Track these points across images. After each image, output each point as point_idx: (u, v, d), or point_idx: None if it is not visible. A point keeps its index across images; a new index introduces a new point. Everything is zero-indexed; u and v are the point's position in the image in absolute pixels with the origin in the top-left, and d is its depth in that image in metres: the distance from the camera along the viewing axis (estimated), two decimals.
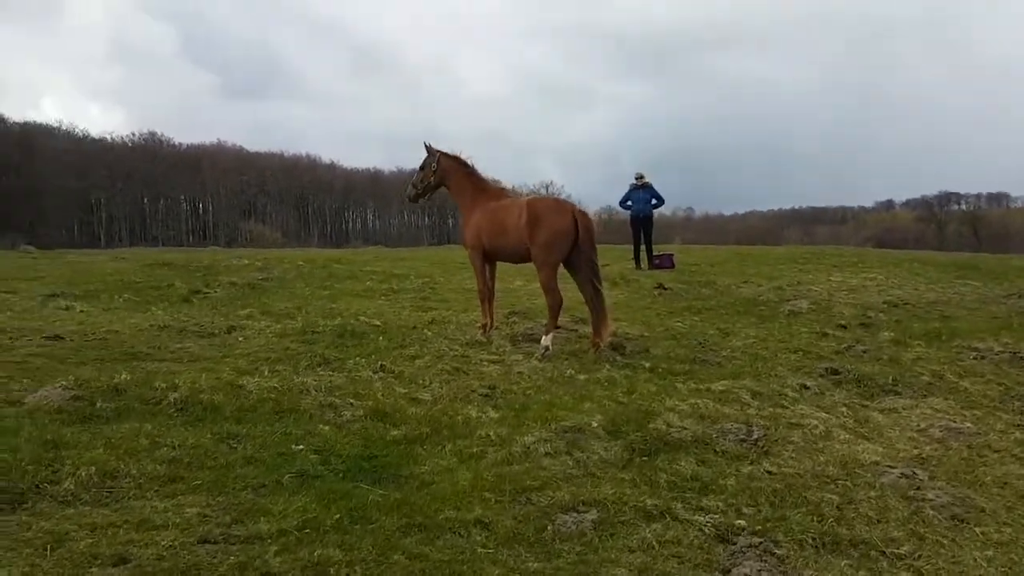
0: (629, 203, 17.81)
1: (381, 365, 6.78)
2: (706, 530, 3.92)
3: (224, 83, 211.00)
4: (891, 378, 7.37)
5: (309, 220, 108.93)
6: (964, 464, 5.18)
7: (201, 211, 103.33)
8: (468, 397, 6.11)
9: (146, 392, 5.40)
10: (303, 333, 7.88)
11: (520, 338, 8.52)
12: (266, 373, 6.23)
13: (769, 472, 4.80)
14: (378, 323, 8.69)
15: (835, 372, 7.51)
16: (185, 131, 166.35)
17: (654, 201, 17.88)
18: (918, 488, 4.61)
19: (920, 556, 3.75)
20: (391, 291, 11.52)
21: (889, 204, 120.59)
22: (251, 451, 4.59)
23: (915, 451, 5.43)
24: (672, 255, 17.57)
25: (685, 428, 5.56)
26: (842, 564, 3.67)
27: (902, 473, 4.91)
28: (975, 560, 3.71)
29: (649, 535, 3.81)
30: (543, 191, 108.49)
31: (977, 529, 4.07)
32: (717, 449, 5.26)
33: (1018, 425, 6.02)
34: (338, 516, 3.75)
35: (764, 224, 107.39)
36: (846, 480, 4.77)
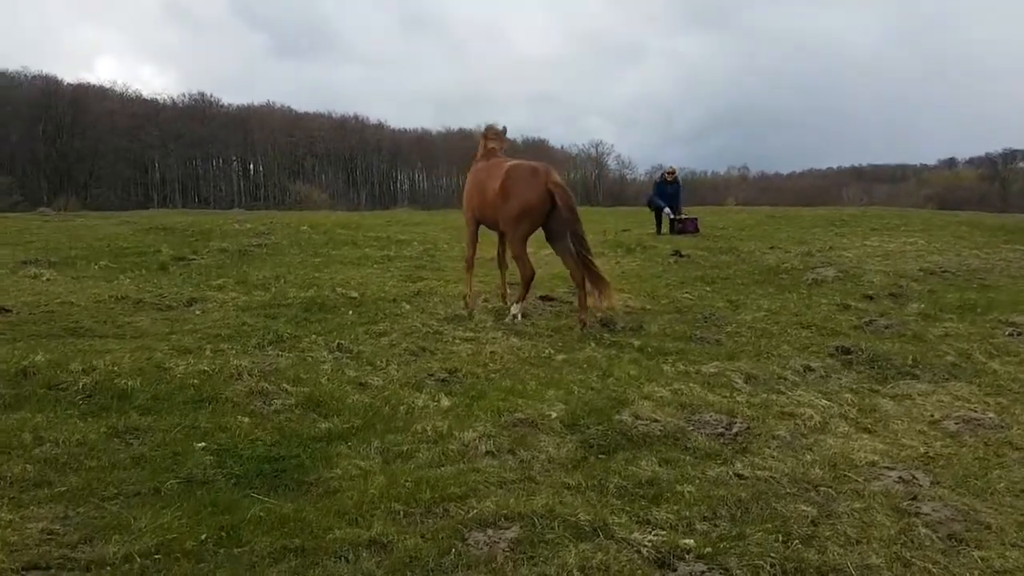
0: (660, 202, 16.89)
1: (339, 344, 6.25)
2: (644, 552, 3.30)
3: (274, 43, 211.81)
4: (911, 358, 6.61)
5: (357, 181, 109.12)
6: (977, 465, 4.45)
7: (252, 172, 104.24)
8: (422, 382, 5.54)
9: (56, 376, 4.96)
10: (268, 306, 7.40)
11: (505, 313, 7.90)
12: (207, 353, 5.75)
13: (739, 476, 4.14)
14: (355, 295, 8.16)
15: (847, 351, 6.76)
16: (235, 91, 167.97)
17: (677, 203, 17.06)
18: (914, 498, 3.91)
19: None
20: (387, 259, 10.99)
21: (952, 162, 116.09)
22: (144, 449, 4.10)
23: (922, 448, 4.71)
24: (696, 219, 16.68)
25: (656, 420, 4.92)
26: None
27: (900, 477, 4.22)
28: None
29: (572, 559, 3.21)
30: (593, 151, 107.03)
31: (976, 553, 3.36)
32: (688, 445, 4.61)
33: None
34: (204, 536, 3.22)
35: (822, 183, 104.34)
36: (830, 486, 4.09)
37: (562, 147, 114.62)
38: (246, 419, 4.61)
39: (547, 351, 6.58)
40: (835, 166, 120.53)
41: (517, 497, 3.77)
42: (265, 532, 3.29)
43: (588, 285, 7.61)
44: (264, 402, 4.92)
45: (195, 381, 5.05)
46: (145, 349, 5.78)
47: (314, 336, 6.49)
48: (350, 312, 7.45)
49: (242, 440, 4.26)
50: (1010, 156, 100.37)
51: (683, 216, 16.61)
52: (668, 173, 17.46)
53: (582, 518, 3.54)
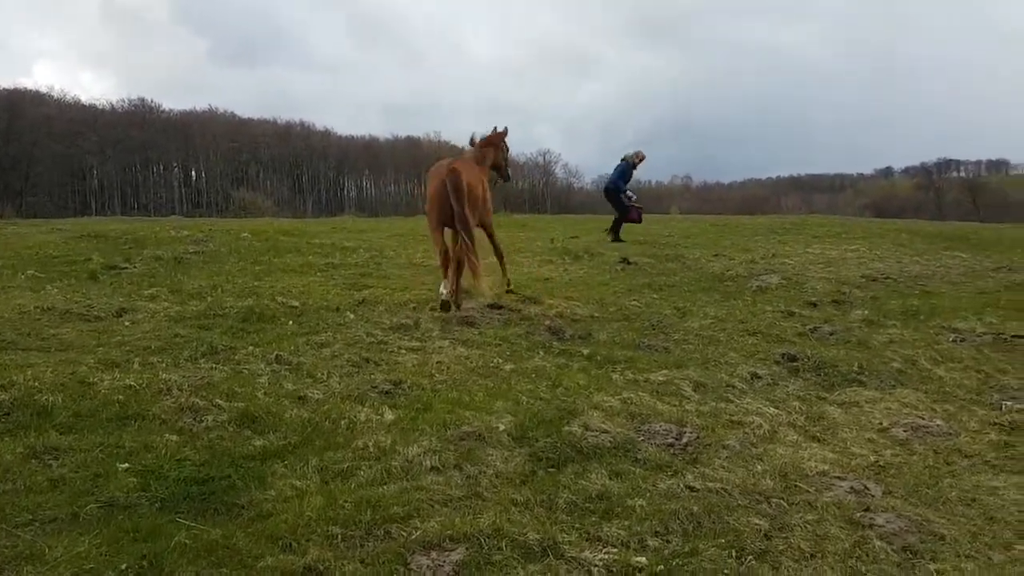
0: (631, 197, 16.62)
1: (277, 355, 5.99)
2: (595, 572, 3.17)
3: (218, 48, 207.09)
4: (857, 365, 6.64)
5: (303, 188, 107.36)
6: (928, 474, 4.44)
7: (194, 179, 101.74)
8: (365, 395, 5.32)
9: None
10: (202, 316, 7.07)
11: (454, 321, 7.73)
12: (135, 367, 5.43)
13: (690, 488, 4.05)
14: (296, 304, 7.88)
15: (793, 359, 6.76)
16: (177, 97, 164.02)
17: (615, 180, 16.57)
18: (867, 509, 3.86)
19: None
20: (331, 266, 10.70)
21: (888, 171, 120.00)
22: (64, 470, 3.81)
23: (872, 457, 4.69)
24: (640, 209, 16.61)
25: (606, 431, 4.80)
26: None
27: (852, 487, 4.18)
28: None
29: None
30: (541, 160, 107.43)
31: (932, 566, 3.32)
32: (638, 457, 4.51)
33: (994, 423, 5.28)
34: (124, 566, 2.97)
35: (762, 192, 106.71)
36: (782, 497, 4.02)
37: (511, 155, 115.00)
38: (174, 437, 4.33)
39: (495, 360, 6.42)
40: (775, 176, 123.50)
41: (463, 516, 3.60)
42: (190, 560, 3.06)
43: (466, 266, 8.18)
44: (195, 419, 4.64)
45: (120, 397, 4.75)
46: (69, 363, 5.43)
47: (251, 347, 6.21)
48: (290, 322, 7.18)
49: (169, 460, 3.99)
50: (944, 166, 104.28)
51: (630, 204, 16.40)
52: (637, 157, 16.79)
53: (531, 537, 3.39)
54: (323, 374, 5.73)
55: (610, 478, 4.15)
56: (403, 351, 6.55)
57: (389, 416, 4.94)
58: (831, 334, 7.77)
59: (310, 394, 5.30)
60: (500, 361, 6.40)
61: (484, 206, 8.85)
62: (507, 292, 9.20)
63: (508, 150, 10.09)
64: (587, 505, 3.82)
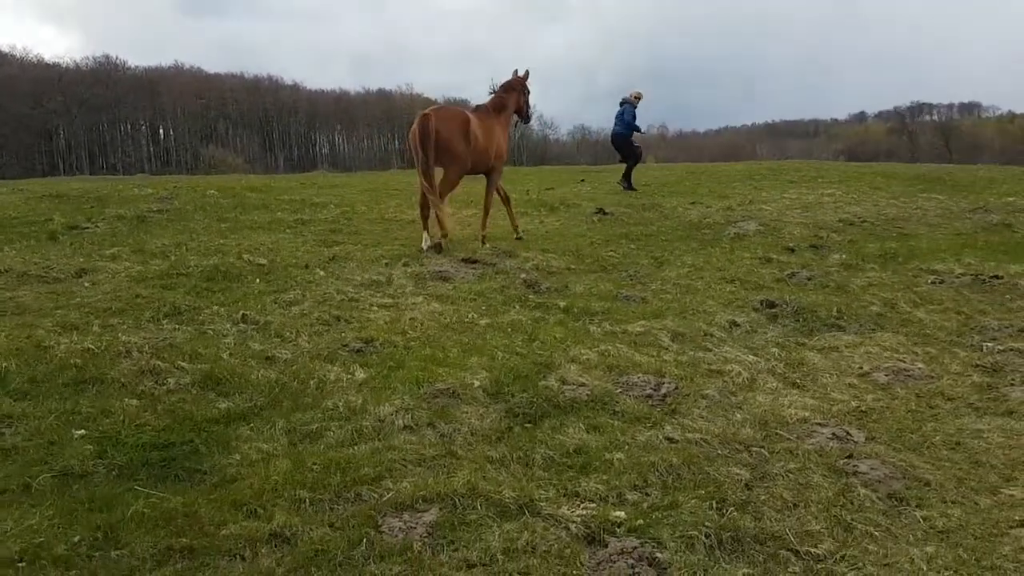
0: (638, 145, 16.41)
1: (243, 315, 5.78)
2: (573, 529, 3.07)
3: (180, 1, 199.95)
4: (835, 309, 6.58)
5: (274, 145, 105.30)
6: (911, 418, 4.39)
7: (162, 136, 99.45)
8: (336, 354, 5.15)
9: None
10: (165, 276, 6.82)
11: (428, 276, 7.54)
12: (94, 329, 5.20)
13: (669, 440, 3.95)
14: (264, 261, 7.64)
15: (771, 305, 6.69)
16: (142, 53, 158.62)
17: (621, 123, 16.06)
18: (850, 456, 3.80)
19: (843, 557, 2.93)
20: (300, 223, 10.41)
21: (862, 116, 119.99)
22: (17, 439, 3.62)
23: (853, 403, 4.64)
24: (640, 148, 16.45)
25: (583, 384, 4.69)
26: (740, 574, 2.84)
27: (833, 434, 4.12)
28: (912, 560, 2.90)
29: (496, 542, 2.95)
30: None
31: (918, 513, 3.26)
32: (616, 409, 4.40)
33: (977, 365, 5.25)
34: (77, 539, 2.82)
35: (738, 140, 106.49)
36: (763, 446, 3.95)
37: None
38: (134, 401, 4.15)
39: (470, 316, 6.27)
40: (749, 123, 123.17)
41: (437, 475, 3.48)
42: (148, 531, 2.91)
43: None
44: (156, 382, 4.45)
45: (78, 360, 4.53)
46: (25, 327, 5.19)
47: (216, 307, 5.99)
48: (257, 280, 6.94)
49: (127, 426, 3.82)
50: (917, 109, 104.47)
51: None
52: (636, 97, 16.24)
53: (507, 495, 3.28)
54: (291, 333, 5.55)
55: (588, 432, 4.05)
56: (375, 308, 6.37)
57: (360, 375, 4.79)
58: (809, 279, 7.70)
59: (278, 354, 5.12)
60: (475, 316, 6.25)
61: (489, 154, 9.35)
62: (482, 244, 9.23)
63: (529, 92, 10.41)
64: (564, 460, 3.72)
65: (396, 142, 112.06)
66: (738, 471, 3.60)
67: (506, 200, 10.11)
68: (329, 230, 10.10)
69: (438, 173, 8.85)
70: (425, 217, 9.02)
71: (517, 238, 9.84)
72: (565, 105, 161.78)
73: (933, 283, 7.46)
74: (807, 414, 4.40)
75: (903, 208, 12.31)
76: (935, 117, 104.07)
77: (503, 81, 10.21)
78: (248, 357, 5.01)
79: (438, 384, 4.54)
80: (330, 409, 4.20)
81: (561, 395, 4.51)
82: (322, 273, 7.38)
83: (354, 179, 18.58)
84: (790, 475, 3.57)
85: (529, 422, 4.20)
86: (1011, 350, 5.44)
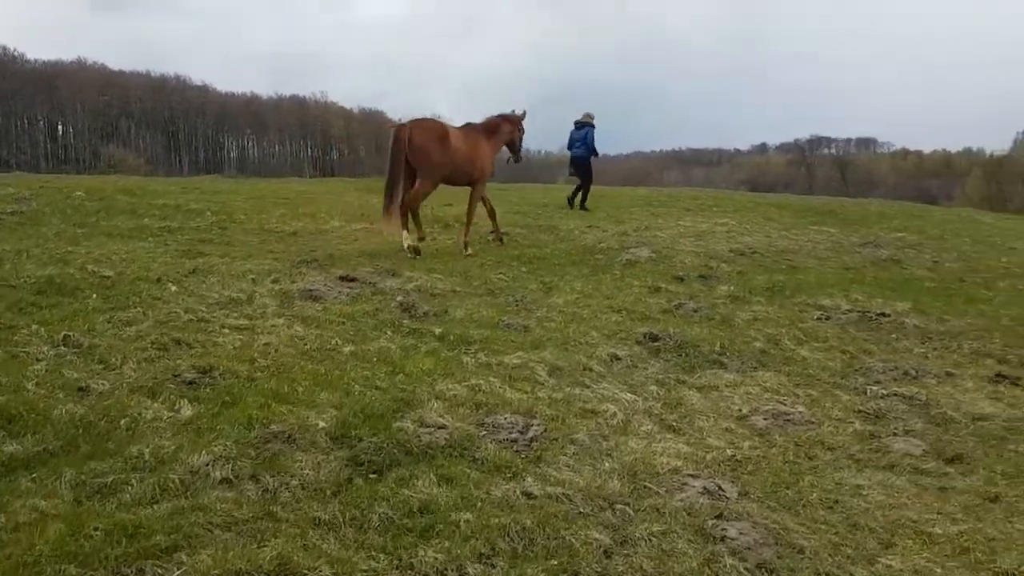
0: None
1: (66, 336, 5.06)
2: None
3: None
4: (719, 345, 6.36)
5: (180, 146, 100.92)
6: (787, 470, 4.12)
7: (60, 133, 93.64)
8: (162, 385, 4.52)
9: None
10: None
11: (296, 295, 6.94)
12: None
13: (528, 495, 3.54)
14: (110, 274, 6.87)
15: (655, 338, 6.41)
16: (44, 46, 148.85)
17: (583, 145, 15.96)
18: (720, 516, 3.46)
19: None
20: (167, 230, 9.60)
21: (763, 147, 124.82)
22: None
23: (729, 451, 4.34)
24: None
25: (443, 426, 4.24)
26: None
27: (705, 487, 3.79)
28: None
29: None
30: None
31: None
32: (476, 456, 3.97)
33: (859, 411, 5.06)
34: None
35: (646, 166, 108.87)
36: (629, 503, 3.58)
37: (400, 119, 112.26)
38: None
39: (334, 341, 5.72)
40: (659, 149, 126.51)
41: (245, 545, 2.94)
42: None
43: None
44: None
45: None
46: None
47: (36, 326, 5.24)
48: (95, 295, 6.19)
49: None
50: (816, 142, 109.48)
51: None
52: (591, 118, 16.17)
53: (324, 572, 2.77)
54: (117, 359, 4.87)
55: (439, 485, 3.58)
56: (225, 331, 5.75)
57: (186, 412, 4.18)
58: (695, 311, 7.50)
59: (94, 385, 4.45)
60: (339, 342, 5.71)
61: (472, 167, 10.07)
62: (466, 255, 9.82)
63: (523, 132, 11.29)
64: (405, 522, 3.24)
65: (309, 149, 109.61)
66: (598, 535, 3.21)
67: (492, 213, 10.90)
68: (198, 240, 9.34)
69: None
70: (405, 216, 9.61)
71: (499, 239, 10.79)
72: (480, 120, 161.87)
73: (819, 319, 7.38)
74: (680, 463, 4.07)
75: (794, 240, 12.45)
76: (833, 151, 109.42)
77: (502, 112, 10.98)
78: (57, 388, 4.33)
79: (274, 425, 4.00)
80: (134, 457, 3.58)
81: (416, 439, 4.03)
82: (174, 288, 6.68)
83: (244, 185, 17.61)
84: (654, 540, 3.20)
85: (374, 472, 3.71)
86: (894, 395, 5.31)
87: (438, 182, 9.88)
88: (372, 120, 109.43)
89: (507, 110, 11.10)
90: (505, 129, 10.81)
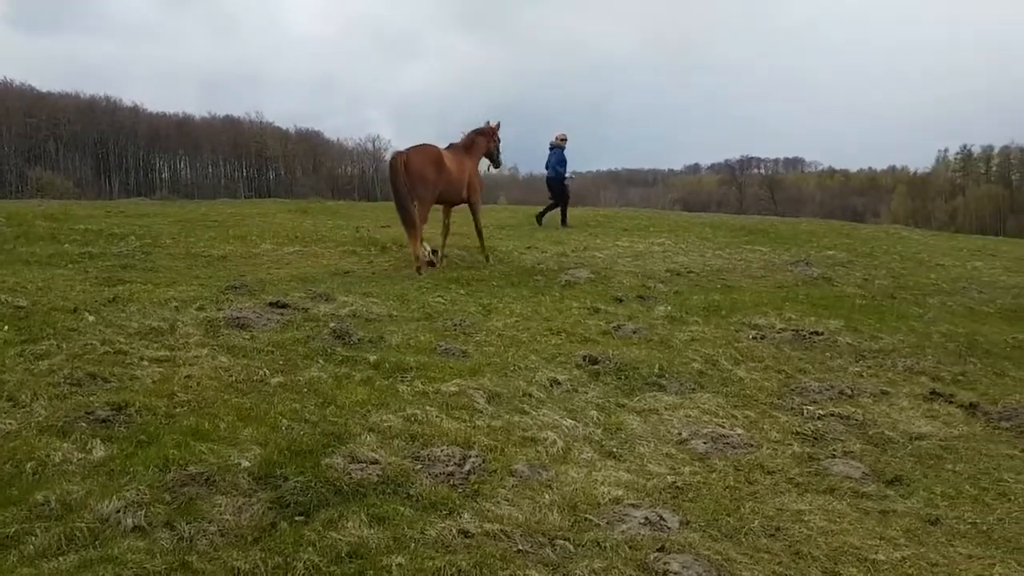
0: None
1: None
2: None
3: (12, 13, 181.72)
4: (658, 367, 6.32)
5: (109, 168, 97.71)
6: (728, 496, 4.06)
7: None
8: (74, 424, 4.23)
9: None
10: None
11: (222, 323, 6.65)
12: None
13: (464, 534, 3.38)
14: (24, 303, 6.47)
15: (594, 361, 6.34)
16: None
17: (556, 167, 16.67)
18: (662, 548, 3.36)
19: None
20: (87, 256, 9.16)
21: (696, 168, 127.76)
22: None
23: (670, 477, 4.26)
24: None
25: (376, 462, 4.05)
26: None
27: (647, 518, 3.70)
28: None
29: None
30: (370, 146, 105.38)
31: None
32: (411, 493, 3.80)
33: (797, 433, 5.06)
34: None
35: (583, 185, 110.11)
36: (569, 538, 3.45)
37: (338, 139, 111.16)
38: None
39: (262, 372, 5.48)
40: (595, 169, 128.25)
41: None
42: None
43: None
44: None
45: None
46: None
47: None
48: (6, 327, 5.81)
49: None
50: (746, 163, 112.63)
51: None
52: (563, 139, 16.90)
53: None
54: (27, 396, 4.55)
55: (370, 526, 3.40)
56: (145, 363, 5.44)
57: (99, 453, 3.90)
58: (635, 332, 7.47)
59: (0, 425, 4.13)
60: (267, 373, 5.47)
61: (462, 185, 10.82)
62: (487, 260, 11.09)
63: (500, 140, 11.83)
64: (333, 569, 3.05)
65: (243, 170, 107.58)
66: (537, 575, 3.07)
67: (446, 232, 11.43)
68: (120, 266, 8.94)
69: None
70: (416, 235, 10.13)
71: (433, 252, 11.00)
72: (419, 142, 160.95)
73: (754, 338, 7.43)
74: (620, 492, 3.97)
75: (728, 259, 12.62)
76: (762, 170, 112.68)
77: (476, 127, 11.58)
78: None
79: (192, 467, 3.76)
80: (39, 504, 3.31)
81: (347, 477, 3.84)
82: (92, 318, 6.33)
83: (170, 208, 17.09)
84: None
85: (300, 514, 3.50)
86: (831, 415, 5.33)
87: (432, 203, 10.51)
88: (309, 140, 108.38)
89: (480, 123, 11.72)
90: (481, 143, 11.46)
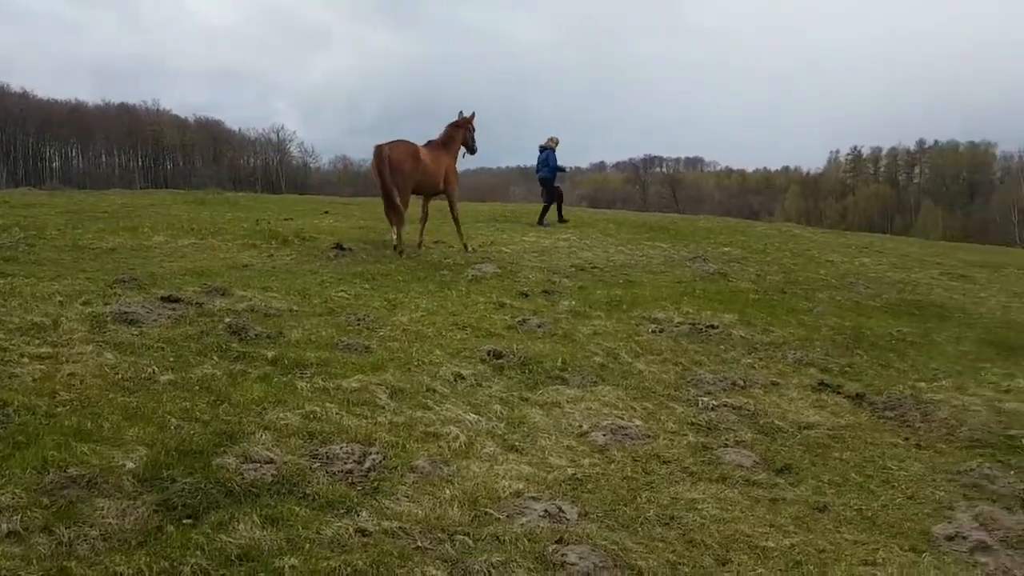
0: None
1: None
2: None
3: None
4: (561, 360, 6.40)
5: None
6: (626, 487, 4.15)
7: None
8: None
9: None
10: None
11: (110, 319, 6.33)
12: None
13: (362, 532, 3.33)
14: None
15: (499, 355, 6.37)
16: None
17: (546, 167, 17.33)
18: (560, 540, 3.41)
19: None
20: None
21: (602, 165, 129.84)
22: None
23: (570, 470, 4.33)
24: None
25: (271, 461, 3.94)
26: None
27: (546, 510, 3.74)
28: None
29: None
30: (274, 137, 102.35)
31: None
32: (307, 492, 3.71)
33: (692, 423, 5.22)
34: None
35: (493, 181, 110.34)
36: (469, 532, 3.45)
37: (239, 130, 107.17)
38: None
39: (151, 370, 5.23)
40: (504, 166, 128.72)
41: None
42: None
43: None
44: None
45: None
46: None
47: None
48: None
49: None
50: (649, 161, 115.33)
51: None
52: (554, 142, 17.50)
53: None
54: None
55: (263, 527, 3.31)
56: (25, 360, 5.12)
57: None
58: (539, 326, 7.54)
59: None
60: (156, 370, 5.23)
61: (439, 178, 11.55)
62: (466, 252, 11.70)
63: (475, 130, 12.46)
64: (222, 572, 2.95)
65: (139, 159, 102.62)
66: (435, 571, 3.06)
67: (425, 217, 12.24)
68: (1, 258, 8.37)
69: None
70: (401, 216, 11.06)
71: (419, 246, 11.84)
72: (330, 135, 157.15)
73: (654, 332, 7.62)
74: (521, 486, 4.01)
75: (630, 255, 12.90)
76: (665, 169, 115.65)
77: (452, 121, 12.15)
78: None
79: (72, 468, 3.56)
80: None
81: (239, 477, 3.72)
82: None
83: (58, 198, 16.14)
84: (493, 572, 3.10)
85: (188, 517, 3.37)
86: (725, 406, 5.53)
87: (410, 193, 11.23)
88: (209, 129, 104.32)
89: (455, 116, 12.25)
90: (457, 136, 12.11)
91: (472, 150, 12.77)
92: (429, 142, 11.81)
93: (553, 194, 17.55)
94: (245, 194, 26.16)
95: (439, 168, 11.58)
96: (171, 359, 5.54)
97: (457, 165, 12.33)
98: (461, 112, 12.35)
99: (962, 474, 4.63)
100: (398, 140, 11.26)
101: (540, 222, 16.95)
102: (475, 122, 12.51)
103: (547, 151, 17.51)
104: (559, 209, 17.56)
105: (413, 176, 11.06)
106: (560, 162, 17.61)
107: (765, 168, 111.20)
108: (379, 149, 10.86)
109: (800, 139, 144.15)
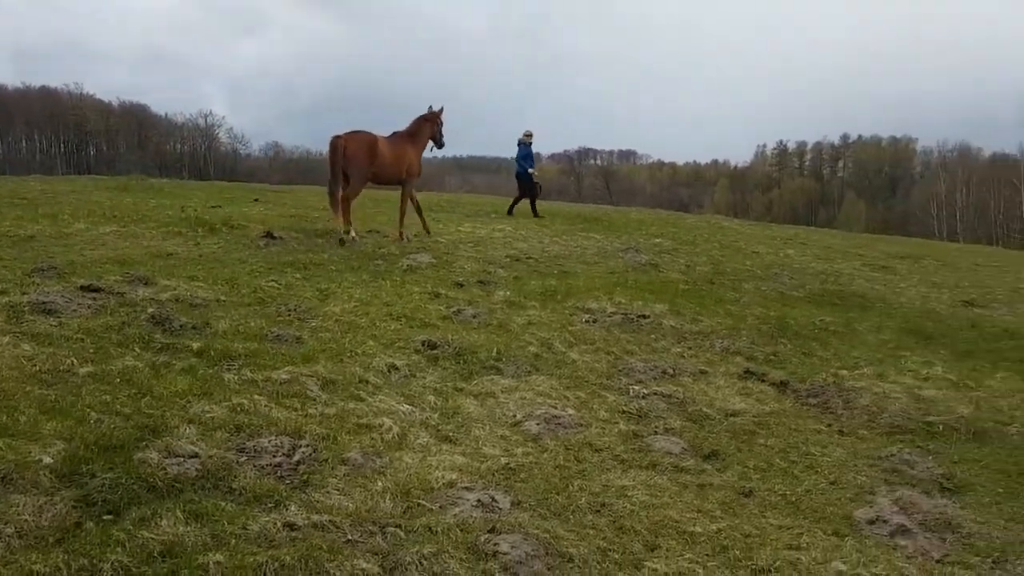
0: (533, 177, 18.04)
1: None
2: None
3: None
4: (495, 350, 6.41)
5: None
6: (558, 475, 4.18)
7: None
8: None
9: None
10: None
11: (27, 309, 6.05)
12: None
13: (290, 527, 3.27)
14: None
15: (433, 346, 6.33)
16: None
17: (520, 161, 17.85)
18: (492, 530, 3.41)
19: None
20: None
21: (538, 156, 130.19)
22: None
23: (503, 459, 4.34)
24: (539, 184, 18.32)
25: (195, 455, 3.84)
26: None
27: (479, 500, 3.74)
28: None
29: None
30: (202, 122, 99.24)
31: None
32: (233, 487, 3.63)
33: (623, 411, 5.30)
34: None
35: (429, 171, 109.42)
36: (401, 524, 3.43)
37: (166, 115, 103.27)
38: None
39: (69, 361, 5.02)
40: (440, 155, 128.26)
41: None
42: None
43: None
44: None
45: None
46: None
47: None
48: None
49: None
50: (584, 154, 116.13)
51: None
52: (530, 136, 17.92)
53: None
54: None
55: (187, 523, 3.21)
56: None
57: None
58: (474, 316, 7.54)
59: None
60: (75, 362, 5.02)
61: (398, 169, 11.76)
62: (401, 241, 11.63)
63: (443, 124, 12.65)
64: (143, 569, 2.86)
65: (61, 145, 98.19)
66: (365, 564, 3.03)
67: (419, 209, 12.48)
68: None
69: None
70: (347, 210, 11.20)
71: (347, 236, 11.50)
72: (261, 121, 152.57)
73: (587, 322, 7.70)
74: (455, 476, 4.00)
75: (565, 246, 13.00)
76: (598, 161, 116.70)
77: (420, 114, 12.33)
78: None
79: None
80: None
81: (161, 472, 3.61)
82: None
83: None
84: (425, 563, 3.08)
85: (109, 513, 3.25)
86: (655, 394, 5.63)
87: (366, 182, 11.54)
88: (134, 114, 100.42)
89: (424, 110, 12.42)
90: (426, 129, 12.32)
91: (440, 144, 12.87)
92: (394, 133, 11.98)
93: (526, 189, 17.92)
94: (170, 180, 25.38)
95: (400, 159, 11.71)
96: (91, 351, 5.33)
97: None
98: (431, 106, 12.47)
99: (883, 460, 4.82)
100: (355, 131, 11.34)
101: (533, 214, 17.39)
102: (443, 116, 12.64)
103: (524, 146, 18.00)
104: (531, 205, 17.84)
105: (369, 167, 11.19)
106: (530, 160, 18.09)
107: (695, 161, 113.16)
108: (335, 140, 10.98)
109: (728, 133, 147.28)
